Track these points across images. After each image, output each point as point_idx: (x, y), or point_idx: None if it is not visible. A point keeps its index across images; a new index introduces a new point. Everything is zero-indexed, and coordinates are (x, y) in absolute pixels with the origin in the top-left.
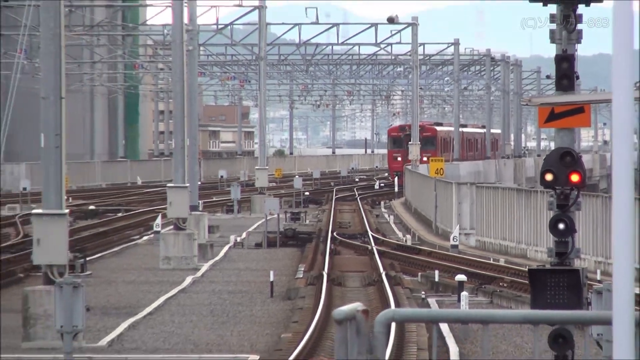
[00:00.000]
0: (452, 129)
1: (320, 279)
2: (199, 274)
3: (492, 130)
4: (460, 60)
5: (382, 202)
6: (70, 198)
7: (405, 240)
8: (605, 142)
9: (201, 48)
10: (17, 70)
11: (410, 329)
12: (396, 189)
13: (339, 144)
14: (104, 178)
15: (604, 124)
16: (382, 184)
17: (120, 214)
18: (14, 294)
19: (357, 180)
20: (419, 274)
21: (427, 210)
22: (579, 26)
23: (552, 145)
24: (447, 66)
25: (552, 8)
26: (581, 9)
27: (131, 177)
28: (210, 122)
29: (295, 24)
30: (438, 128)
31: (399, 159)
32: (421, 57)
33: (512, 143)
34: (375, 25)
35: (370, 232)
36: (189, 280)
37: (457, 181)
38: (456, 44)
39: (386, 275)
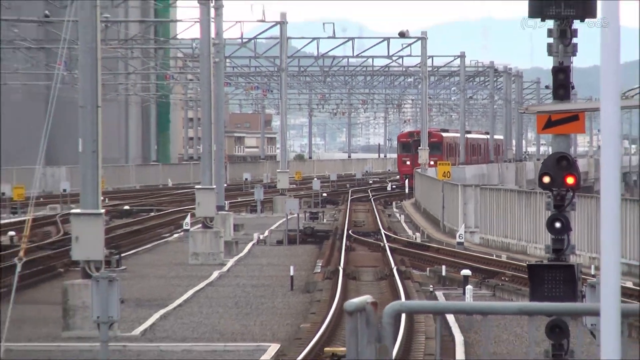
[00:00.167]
0: (457, 135)
1: (337, 274)
2: (225, 269)
3: (495, 136)
4: (465, 71)
5: (393, 203)
6: (106, 199)
7: (415, 238)
8: (599, 147)
9: (227, 60)
10: (57, 81)
11: (419, 319)
12: (407, 190)
13: (354, 149)
14: (137, 180)
15: (599, 130)
16: (393, 186)
17: (152, 214)
18: (54, 287)
19: (370, 182)
20: (428, 269)
21: (435, 210)
22: (574, 40)
23: (550, 150)
24: (453, 77)
25: (550, 23)
26: (576, 24)
27: (163, 179)
28: (236, 128)
29: (314, 38)
30: (444, 134)
31: (408, 162)
32: (430, 68)
33: (514, 148)
34: (387, 39)
35: (382, 230)
36: (215, 274)
37: (462, 183)
38: (462, 56)
39: (397, 270)
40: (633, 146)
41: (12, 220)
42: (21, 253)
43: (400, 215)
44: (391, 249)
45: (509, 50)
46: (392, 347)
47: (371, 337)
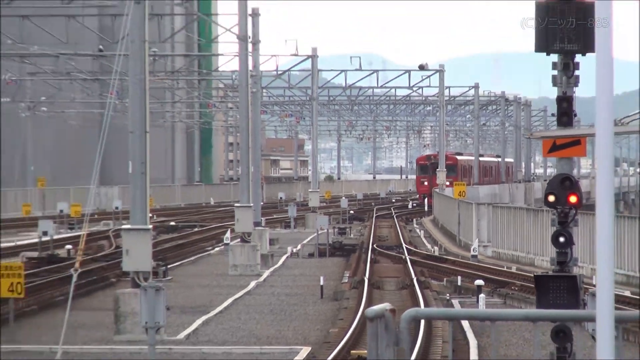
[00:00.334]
0: (471, 157)
1: (362, 283)
2: (261, 279)
3: (506, 159)
4: (479, 100)
5: (414, 219)
6: (154, 215)
7: (434, 251)
8: None
9: (263, 90)
10: (110, 109)
11: (437, 325)
12: (426, 208)
13: (379, 170)
14: (182, 199)
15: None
16: (414, 204)
17: (196, 229)
18: (107, 296)
19: (393, 201)
20: (445, 279)
21: (452, 226)
22: (577, 72)
23: (556, 172)
24: (468, 106)
25: (554, 57)
26: (578, 57)
27: (205, 198)
28: (272, 152)
29: (342, 71)
30: (458, 157)
31: (426, 183)
32: (447, 98)
33: (523, 170)
34: (408, 71)
35: (404, 244)
36: (252, 284)
37: (476, 202)
38: (476, 87)
39: (417, 280)
40: (631, 168)
41: (69, 235)
42: (77, 264)
43: (420, 231)
44: (412, 261)
45: (518, 82)
46: (409, 350)
47: (390, 340)
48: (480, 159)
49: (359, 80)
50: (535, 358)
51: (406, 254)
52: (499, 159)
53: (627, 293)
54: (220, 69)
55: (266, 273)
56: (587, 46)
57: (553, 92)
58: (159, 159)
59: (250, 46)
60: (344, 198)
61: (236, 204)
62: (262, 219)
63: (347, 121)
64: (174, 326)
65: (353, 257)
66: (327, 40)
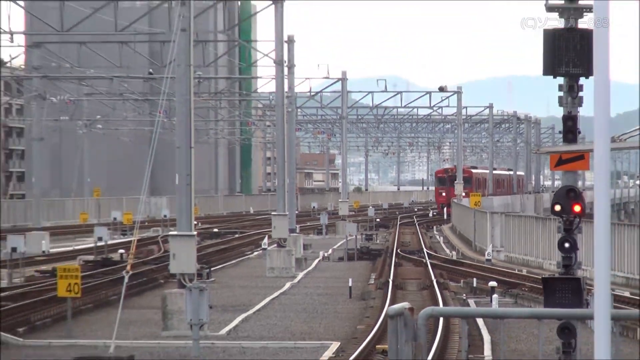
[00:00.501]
0: (485, 171)
1: (387, 285)
2: (296, 280)
3: (518, 172)
4: (493, 119)
5: (434, 227)
6: (199, 223)
7: (452, 256)
8: None
9: (298, 110)
10: (158, 126)
11: (454, 322)
12: (445, 216)
13: (402, 182)
14: (225, 208)
15: None
16: (434, 213)
17: (237, 235)
18: (156, 295)
19: (415, 210)
20: (462, 280)
21: (468, 232)
22: (581, 93)
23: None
24: (483, 124)
25: (560, 80)
26: (582, 80)
27: (245, 207)
28: (305, 165)
29: (369, 92)
30: (473, 170)
31: (444, 194)
32: (464, 117)
33: (533, 182)
34: (429, 93)
35: (425, 249)
36: (288, 285)
37: (490, 211)
38: (490, 107)
39: (436, 281)
40: (631, 181)
41: (122, 240)
42: (128, 267)
43: (439, 237)
44: (432, 265)
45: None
46: (426, 345)
47: (408, 336)
48: (494, 172)
49: (384, 101)
50: (541, 352)
51: (427, 258)
52: (511, 172)
53: (627, 293)
54: (259, 90)
55: (300, 275)
56: (590, 70)
57: (560, 112)
58: (203, 171)
59: (286, 70)
60: (371, 207)
61: (273, 213)
62: (297, 226)
63: (373, 138)
64: (216, 323)
65: (379, 260)
66: (355, 64)
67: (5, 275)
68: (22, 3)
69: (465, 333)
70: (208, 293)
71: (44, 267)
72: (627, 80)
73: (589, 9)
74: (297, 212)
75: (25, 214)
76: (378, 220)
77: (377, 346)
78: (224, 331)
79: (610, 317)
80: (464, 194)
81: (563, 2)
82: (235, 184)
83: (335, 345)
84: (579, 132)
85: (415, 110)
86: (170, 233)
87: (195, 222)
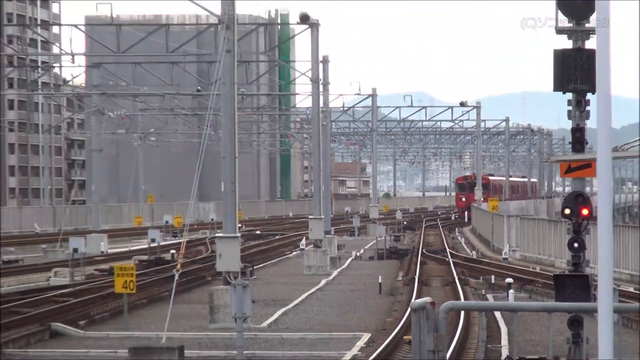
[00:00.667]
0: (501, 178)
1: (413, 281)
2: (331, 277)
3: (532, 179)
4: (509, 131)
5: (456, 229)
6: (242, 226)
7: (472, 255)
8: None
9: (332, 123)
10: (205, 139)
11: (474, 315)
12: (466, 219)
13: (427, 188)
14: (266, 212)
15: None
16: (456, 216)
17: (277, 237)
18: (203, 292)
19: (439, 213)
20: (481, 277)
21: (487, 234)
22: (588, 107)
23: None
24: (500, 135)
25: (569, 95)
26: (589, 95)
27: (285, 211)
28: (339, 174)
29: (397, 107)
30: (490, 177)
31: (463, 199)
32: (483, 129)
33: (545, 188)
34: (451, 107)
35: (447, 249)
36: (323, 282)
37: (507, 214)
38: (507, 120)
39: (458, 278)
40: (635, 187)
41: (173, 241)
42: (178, 266)
43: (461, 238)
44: (454, 263)
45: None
46: (446, 336)
47: (430, 328)
48: (510, 179)
49: (410, 115)
50: (552, 342)
51: (449, 257)
52: (526, 179)
53: (631, 289)
54: (297, 106)
55: (334, 273)
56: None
57: (569, 124)
58: (247, 179)
59: (321, 87)
60: (398, 211)
61: (310, 216)
62: (332, 228)
63: (401, 148)
64: (259, 316)
65: (406, 259)
66: (385, 81)
67: (67, 273)
68: (82, 27)
69: (484, 325)
70: (251, 289)
71: (102, 266)
72: (632, 96)
73: (595, 31)
74: (331, 215)
75: (85, 218)
76: (405, 223)
77: (404, 337)
78: (265, 324)
79: (612, 309)
80: (482, 199)
81: (571, 25)
82: (275, 190)
83: (366, 336)
84: (587, 143)
85: (438, 123)
86: (217, 235)
87: (240, 225)
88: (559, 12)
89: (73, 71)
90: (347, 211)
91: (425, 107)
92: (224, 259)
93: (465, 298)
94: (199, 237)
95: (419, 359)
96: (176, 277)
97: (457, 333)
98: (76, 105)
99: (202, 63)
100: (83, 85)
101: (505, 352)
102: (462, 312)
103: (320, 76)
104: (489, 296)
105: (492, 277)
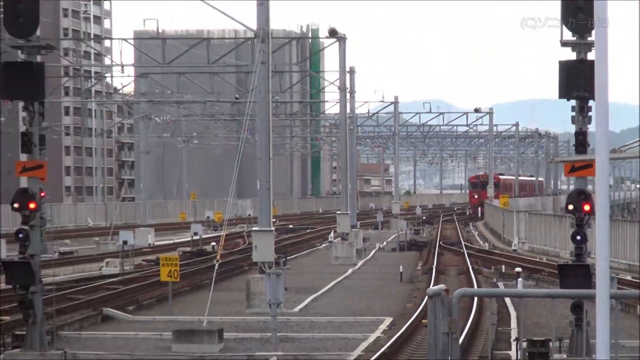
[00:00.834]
0: (511, 177)
1: (431, 270)
2: (357, 267)
3: (539, 178)
4: (519, 135)
5: (470, 223)
6: (277, 220)
7: (485, 246)
8: (610, 186)
9: (358, 128)
10: (243, 142)
11: (486, 301)
12: (479, 215)
13: (444, 187)
14: (298, 208)
15: (609, 174)
16: (470, 212)
17: (308, 230)
18: (241, 280)
19: (455, 209)
20: (492, 267)
21: (498, 227)
22: (590, 114)
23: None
24: (511, 139)
25: (573, 102)
26: (591, 102)
27: (315, 207)
28: (364, 173)
29: (417, 113)
30: (501, 177)
31: (476, 196)
32: (495, 133)
33: (552, 186)
34: (466, 113)
35: (462, 241)
36: (350, 271)
37: (516, 210)
38: (517, 125)
39: (472, 268)
40: (633, 185)
41: (213, 235)
42: (218, 257)
43: (474, 231)
44: (468, 254)
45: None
46: (459, 319)
47: (444, 313)
48: (519, 178)
49: (429, 120)
50: (555, 325)
51: (464, 249)
52: (533, 178)
53: (629, 277)
54: (326, 112)
55: (360, 263)
56: None
57: (573, 128)
58: (281, 178)
59: (348, 95)
60: (418, 207)
61: (338, 212)
62: (357, 222)
63: (420, 150)
64: (291, 302)
65: (425, 251)
66: (406, 89)
67: (118, 264)
68: (131, 41)
69: (495, 310)
70: (284, 277)
71: (149, 257)
72: (631, 102)
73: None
74: (357, 211)
75: (134, 213)
76: (424, 217)
77: (422, 321)
78: (297, 309)
79: (609, 295)
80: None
81: (575, 38)
82: (307, 188)
83: (388, 320)
84: (589, 145)
85: (454, 127)
86: (253, 229)
87: (274, 220)
88: (564, 27)
89: (123, 80)
90: (371, 207)
91: (442, 113)
92: (260, 250)
93: (479, 286)
94: (237, 231)
95: (434, 340)
96: (216, 267)
97: (471, 317)
98: (126, 112)
99: (240, 73)
100: (132, 93)
101: (514, 334)
102: (475, 298)
103: (347, 85)
104: (500, 284)
105: (503, 266)
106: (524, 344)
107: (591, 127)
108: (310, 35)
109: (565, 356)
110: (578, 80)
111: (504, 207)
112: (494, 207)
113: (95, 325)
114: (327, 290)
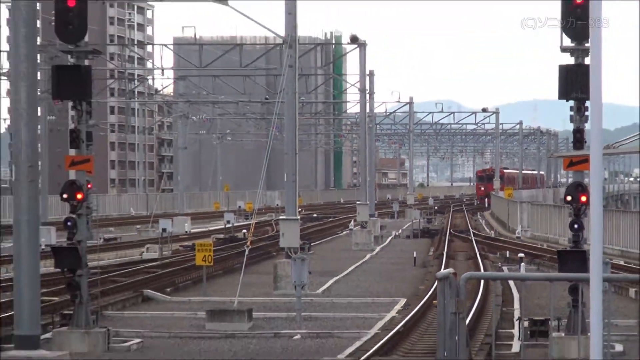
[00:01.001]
0: (515, 171)
1: (442, 256)
2: (374, 252)
3: (540, 172)
4: (523, 132)
5: (478, 213)
6: (302, 210)
7: (491, 234)
8: (605, 179)
9: (376, 126)
10: (272, 138)
11: (491, 283)
12: (486, 205)
13: (455, 179)
14: (322, 199)
15: (605, 168)
16: (477, 203)
17: (330, 219)
18: (269, 264)
19: (464, 200)
20: (498, 252)
21: (503, 216)
22: (587, 113)
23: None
24: (515, 136)
25: (571, 103)
26: (587, 103)
27: (337, 198)
28: (382, 167)
29: (430, 112)
30: (505, 170)
31: (482, 188)
32: (500, 131)
33: (552, 179)
34: (474, 113)
35: (470, 229)
36: (368, 256)
37: (520, 201)
38: (520, 123)
39: (479, 253)
40: (625, 178)
41: (244, 223)
42: (248, 243)
43: (482, 220)
44: (476, 241)
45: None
46: (466, 300)
47: (452, 294)
48: (523, 172)
49: (441, 119)
50: (553, 305)
51: (472, 236)
52: (535, 172)
53: (622, 262)
54: (347, 111)
55: (377, 249)
56: None
57: (572, 127)
58: (306, 172)
59: (367, 96)
60: (430, 198)
61: (358, 202)
62: (375, 212)
63: (433, 146)
64: (314, 284)
65: (436, 238)
66: (420, 89)
67: (157, 249)
68: (171, 46)
69: (499, 291)
70: (308, 262)
71: (186, 243)
72: (624, 103)
73: None
74: (375, 201)
75: (173, 203)
76: (436, 207)
77: (433, 301)
78: (319, 290)
79: (602, 278)
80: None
81: (573, 45)
82: (329, 180)
83: (403, 301)
84: (585, 142)
85: (464, 126)
86: (280, 217)
87: (299, 209)
88: (564, 34)
89: (163, 82)
90: (388, 198)
91: (453, 113)
92: (286, 237)
93: (485, 269)
94: (265, 219)
95: (443, 319)
96: (246, 252)
97: (478, 298)
98: (165, 111)
99: (270, 76)
100: (171, 94)
101: (517, 314)
102: (482, 281)
103: (367, 87)
104: (504, 268)
105: (507, 252)
106: (526, 323)
107: (588, 125)
108: (333, 42)
109: (563, 334)
110: (576, 83)
111: (508, 198)
112: (499, 198)
113: (136, 305)
114: (347, 274)
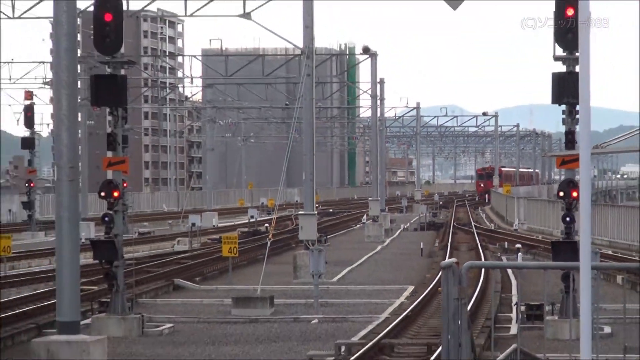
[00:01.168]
0: (512, 169)
1: (447, 247)
2: (385, 244)
3: (536, 170)
4: (519, 134)
5: (479, 207)
6: (319, 205)
7: (491, 227)
8: (595, 176)
9: (386, 129)
10: (291, 140)
11: (491, 272)
12: (487, 200)
13: (458, 177)
14: (337, 195)
15: (594, 166)
16: (478, 198)
17: (345, 213)
18: (289, 255)
19: (467, 196)
20: (497, 243)
21: (502, 211)
22: (577, 116)
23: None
24: (513, 137)
25: (563, 107)
26: (578, 107)
27: (351, 195)
28: (392, 166)
29: (435, 116)
30: (503, 169)
31: (482, 185)
32: (499, 133)
33: (546, 177)
34: (476, 116)
35: (472, 222)
36: (379, 247)
37: (517, 196)
38: (517, 126)
39: (480, 244)
40: (613, 175)
41: (267, 217)
42: (270, 236)
43: (482, 214)
44: (477, 233)
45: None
46: (468, 288)
47: (455, 282)
48: (520, 170)
49: (445, 122)
50: (547, 291)
51: (474, 229)
52: (531, 170)
53: (610, 252)
54: (360, 116)
55: (387, 240)
56: None
57: (564, 129)
58: (322, 171)
59: (378, 102)
60: (436, 194)
61: (370, 198)
62: (386, 207)
63: (438, 147)
64: (330, 273)
65: (441, 230)
66: (426, 95)
67: (187, 242)
68: (199, 57)
69: (499, 279)
70: (325, 253)
71: (213, 236)
72: (610, 106)
73: None
74: (385, 198)
75: (201, 200)
76: (441, 203)
77: (439, 288)
78: (335, 279)
79: (590, 266)
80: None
81: (565, 54)
82: (344, 179)
83: (411, 288)
84: (576, 143)
85: (466, 128)
86: (299, 212)
87: (317, 205)
88: (556, 44)
89: (192, 90)
90: (397, 194)
91: (456, 116)
92: (305, 230)
93: (485, 259)
94: (286, 214)
95: (447, 304)
96: (268, 244)
97: (479, 285)
98: (194, 116)
99: (289, 84)
100: (200, 100)
101: (514, 299)
102: (483, 270)
103: (378, 94)
104: (503, 257)
105: (506, 243)
106: (523, 308)
107: (579, 128)
108: (347, 52)
109: (556, 317)
110: (567, 89)
111: (506, 194)
112: (498, 194)
113: (167, 293)
114: (360, 264)
